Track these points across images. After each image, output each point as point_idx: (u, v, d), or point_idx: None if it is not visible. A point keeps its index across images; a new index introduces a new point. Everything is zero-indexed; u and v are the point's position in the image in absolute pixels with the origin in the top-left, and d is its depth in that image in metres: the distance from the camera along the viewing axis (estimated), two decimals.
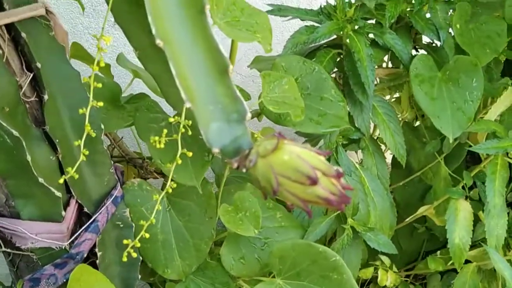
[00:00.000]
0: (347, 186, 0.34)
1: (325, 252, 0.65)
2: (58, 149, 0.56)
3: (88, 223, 0.60)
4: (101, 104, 0.51)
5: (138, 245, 0.60)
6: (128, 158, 0.73)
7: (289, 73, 0.70)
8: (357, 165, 0.80)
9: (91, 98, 0.50)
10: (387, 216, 0.81)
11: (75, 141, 0.55)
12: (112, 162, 0.67)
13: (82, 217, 0.62)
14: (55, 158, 0.56)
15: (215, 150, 0.34)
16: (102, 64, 0.51)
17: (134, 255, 0.60)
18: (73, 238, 0.59)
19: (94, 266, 0.65)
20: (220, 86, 0.35)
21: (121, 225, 0.66)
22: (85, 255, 0.60)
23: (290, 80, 0.62)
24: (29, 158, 0.50)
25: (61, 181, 0.54)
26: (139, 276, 0.68)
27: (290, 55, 0.72)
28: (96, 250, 0.64)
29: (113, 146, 0.72)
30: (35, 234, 0.56)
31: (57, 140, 0.56)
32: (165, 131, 0.57)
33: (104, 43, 0.49)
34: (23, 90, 0.52)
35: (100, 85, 0.50)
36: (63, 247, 0.58)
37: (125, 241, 0.60)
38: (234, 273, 0.69)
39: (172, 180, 0.63)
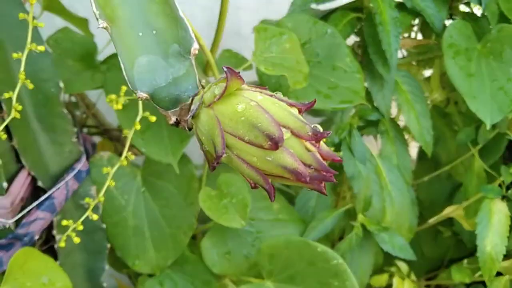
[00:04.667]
0: (331, 155, 0.23)
1: (324, 253, 0.54)
2: (3, 107, 0.47)
3: (40, 200, 0.51)
4: (42, 49, 0.41)
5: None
6: (103, 129, 0.63)
7: (297, 35, 0.59)
8: (373, 153, 0.67)
9: (28, 40, 0.40)
10: (406, 215, 0.68)
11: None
12: (80, 132, 0.57)
13: (39, 194, 0.53)
14: None
15: (142, 94, 0.24)
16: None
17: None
18: (20, 215, 0.49)
19: (54, 252, 0.56)
20: (156, 2, 0.24)
21: (86, 205, 0.56)
22: (36, 237, 0.50)
23: (291, 37, 0.51)
24: None
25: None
26: (107, 267, 0.59)
27: (298, 14, 0.60)
28: (55, 232, 0.54)
29: (85, 113, 0.62)
30: None
31: (2, 97, 0.46)
32: (124, 88, 0.47)
33: None
34: None
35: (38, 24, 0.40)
36: (7, 226, 0.49)
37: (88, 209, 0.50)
38: (217, 271, 0.58)
39: (146, 155, 0.53)
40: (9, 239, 0.49)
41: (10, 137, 0.48)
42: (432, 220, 0.79)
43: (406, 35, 0.70)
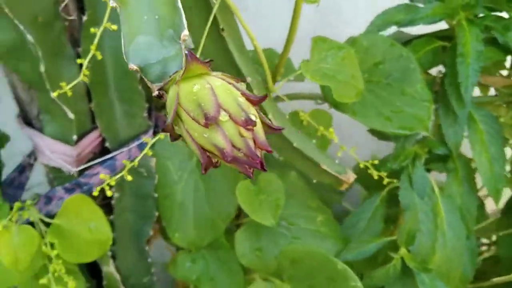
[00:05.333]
0: (265, 145, 0.24)
1: (344, 271, 0.53)
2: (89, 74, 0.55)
3: (104, 158, 0.58)
4: (115, 28, 0.48)
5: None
6: None
7: (370, 54, 0.59)
8: (435, 188, 0.64)
9: (105, 19, 0.47)
10: (459, 262, 0.63)
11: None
12: (153, 109, 0.64)
13: (105, 154, 0.61)
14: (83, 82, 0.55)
15: (133, 66, 0.28)
16: None
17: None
18: (84, 167, 0.58)
19: (110, 208, 0.63)
20: None
21: (144, 174, 0.63)
22: (94, 189, 0.58)
23: (349, 53, 0.51)
24: (42, 69, 0.49)
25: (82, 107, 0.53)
26: (151, 232, 0.65)
27: (375, 33, 0.60)
28: (113, 190, 0.62)
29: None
30: (51, 152, 0.56)
31: (89, 65, 0.55)
32: None
33: None
34: (63, 5, 0.51)
35: None
36: (71, 173, 0.58)
37: None
38: (244, 263, 0.61)
39: None
40: (72, 184, 0.57)
41: (90, 99, 0.56)
42: (497, 280, 0.71)
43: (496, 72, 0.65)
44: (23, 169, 0.66)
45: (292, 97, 0.59)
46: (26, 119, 0.59)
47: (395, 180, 0.61)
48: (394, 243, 0.63)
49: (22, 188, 0.65)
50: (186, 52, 0.25)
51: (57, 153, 0.56)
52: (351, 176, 0.55)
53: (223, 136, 0.24)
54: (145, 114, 0.61)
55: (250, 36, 0.47)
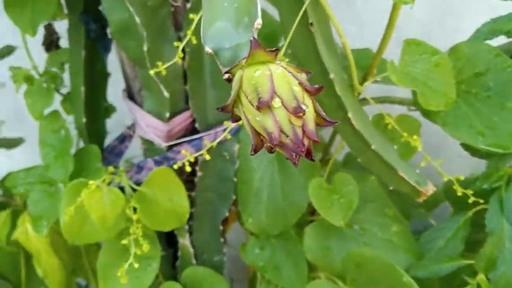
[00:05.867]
0: (312, 135, 0.25)
1: (409, 285, 0.51)
2: (187, 57, 0.59)
3: (192, 137, 0.62)
4: None
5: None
6: None
7: (471, 63, 0.55)
8: None
9: None
10: None
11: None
12: None
13: (193, 133, 0.65)
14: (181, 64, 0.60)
15: (208, 49, 0.30)
16: None
17: None
18: (173, 143, 0.62)
19: (193, 185, 0.68)
20: None
21: (227, 157, 0.66)
22: (180, 164, 0.63)
23: (443, 59, 0.48)
24: (145, 48, 0.54)
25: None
26: (227, 214, 0.68)
27: (480, 41, 0.56)
28: (197, 168, 0.66)
29: None
30: (146, 125, 0.62)
31: (188, 49, 0.59)
32: None
33: None
34: None
35: None
36: (162, 147, 0.63)
37: None
38: (310, 258, 0.61)
39: None
40: (161, 157, 0.62)
41: (185, 82, 0.61)
42: None
43: None
44: (124, 139, 0.73)
45: (381, 100, 0.57)
46: (129, 94, 0.65)
47: (481, 201, 0.57)
48: (471, 267, 0.59)
49: (120, 156, 0.72)
50: (251, 39, 0.26)
51: (151, 127, 0.61)
52: (430, 189, 0.52)
53: (273, 121, 0.25)
54: None
55: (338, 32, 0.47)
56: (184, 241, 0.70)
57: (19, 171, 0.69)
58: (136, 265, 0.58)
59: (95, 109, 0.68)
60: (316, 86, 0.27)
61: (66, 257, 0.76)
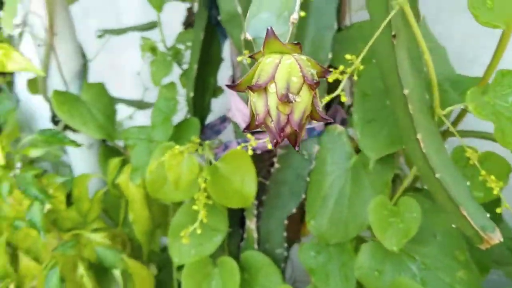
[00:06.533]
0: (294, 124, 0.26)
1: None
2: None
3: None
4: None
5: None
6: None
7: None
8: None
9: None
10: None
11: None
12: (335, 103, 0.68)
13: None
14: None
15: (249, 36, 0.33)
16: None
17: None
18: (256, 130, 0.66)
19: (269, 173, 0.71)
20: None
21: (305, 156, 0.67)
22: (258, 152, 0.66)
23: None
24: (242, 37, 0.58)
25: None
26: (294, 210, 0.70)
27: None
28: (275, 160, 0.69)
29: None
30: (236, 109, 0.67)
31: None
32: None
33: None
34: None
35: None
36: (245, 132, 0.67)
37: None
38: (357, 276, 0.59)
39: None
40: (243, 140, 0.67)
41: None
42: None
43: None
44: (224, 119, 0.79)
45: (467, 134, 0.53)
46: (233, 80, 0.71)
47: None
48: None
49: (218, 134, 0.79)
50: (268, 29, 0.28)
51: (239, 111, 0.66)
52: (497, 238, 0.47)
53: (264, 104, 0.27)
54: (318, 107, 0.65)
55: (422, 49, 0.45)
56: (251, 224, 0.73)
57: (134, 127, 0.81)
58: (199, 231, 0.64)
59: (204, 87, 0.76)
60: (316, 80, 0.28)
61: (155, 211, 0.86)
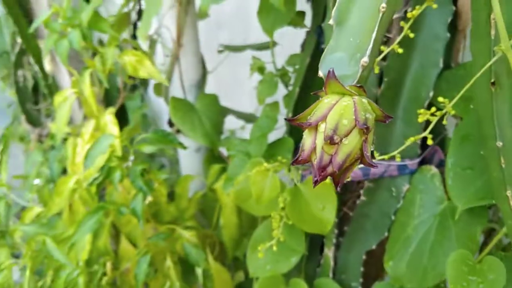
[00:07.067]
0: (336, 165, 0.27)
1: None
2: (383, 85, 0.61)
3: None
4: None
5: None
6: None
7: None
8: None
9: None
10: None
11: None
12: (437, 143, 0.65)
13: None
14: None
15: (320, 74, 0.34)
16: None
17: None
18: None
19: (354, 204, 0.70)
20: (370, 21, 0.33)
21: (394, 193, 0.65)
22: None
23: None
24: None
25: None
26: (374, 246, 0.68)
27: None
28: (362, 192, 0.68)
29: None
30: None
31: (386, 79, 0.61)
32: None
33: None
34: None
35: None
36: None
37: None
38: None
39: None
40: None
41: None
42: None
43: None
44: None
45: None
46: None
47: None
48: None
49: None
50: (330, 70, 0.29)
51: None
52: None
53: (312, 141, 0.28)
54: (418, 142, 0.62)
55: None
56: (329, 252, 0.73)
57: (236, 139, 0.86)
58: (274, 248, 0.66)
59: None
60: (366, 125, 0.28)
61: (244, 220, 0.90)
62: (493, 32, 0.42)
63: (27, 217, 0.93)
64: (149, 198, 0.77)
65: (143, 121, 1.18)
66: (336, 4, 0.34)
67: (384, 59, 0.61)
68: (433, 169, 0.62)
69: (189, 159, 1.02)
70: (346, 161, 0.28)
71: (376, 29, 0.32)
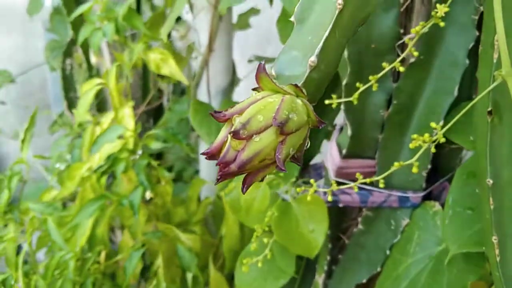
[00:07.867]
0: (238, 162, 0.24)
1: None
2: (391, 108, 0.57)
3: (361, 192, 0.60)
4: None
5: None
6: None
7: None
8: None
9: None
10: None
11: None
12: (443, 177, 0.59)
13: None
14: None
15: (273, 73, 0.32)
16: None
17: None
18: (341, 180, 0.62)
19: (351, 232, 0.66)
20: (325, 18, 0.30)
21: (392, 227, 0.60)
22: (340, 205, 0.62)
23: None
24: (344, 82, 0.55)
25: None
26: (364, 281, 0.63)
27: None
28: (359, 220, 0.64)
29: None
30: (330, 154, 0.64)
31: (396, 102, 0.56)
32: None
33: None
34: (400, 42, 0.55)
35: None
36: (331, 179, 0.63)
37: None
38: None
39: None
40: (326, 187, 0.63)
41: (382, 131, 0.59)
42: None
43: None
44: None
45: None
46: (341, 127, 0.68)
47: None
48: None
49: (319, 176, 0.76)
50: (260, 64, 0.27)
51: (331, 156, 0.63)
52: None
53: (225, 133, 0.26)
54: (424, 174, 0.57)
55: None
56: (319, 279, 0.68)
57: None
58: (260, 264, 0.63)
59: (316, 129, 0.74)
60: (283, 123, 0.25)
61: (247, 232, 0.87)
62: (495, 55, 0.38)
63: (45, 198, 0.96)
64: (149, 194, 0.77)
65: (181, 125, 1.19)
66: (300, 0, 0.32)
67: (395, 80, 0.57)
68: (437, 206, 0.57)
69: (206, 163, 1.01)
70: (253, 160, 0.26)
71: (330, 27, 0.29)
